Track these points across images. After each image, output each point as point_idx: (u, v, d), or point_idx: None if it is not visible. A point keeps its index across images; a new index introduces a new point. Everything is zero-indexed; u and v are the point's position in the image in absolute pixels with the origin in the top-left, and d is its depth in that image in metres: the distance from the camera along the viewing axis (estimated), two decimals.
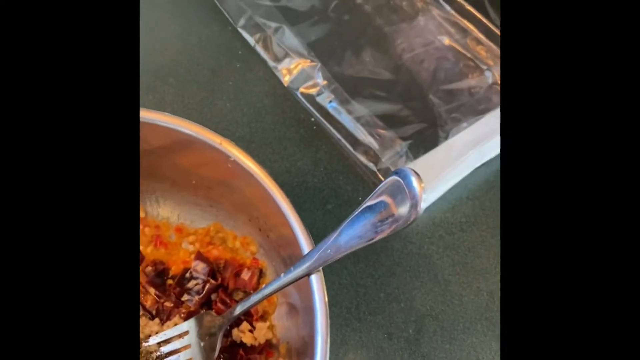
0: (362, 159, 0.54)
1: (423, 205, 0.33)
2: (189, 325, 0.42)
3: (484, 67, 0.59)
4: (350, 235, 0.35)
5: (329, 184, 0.54)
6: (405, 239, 0.52)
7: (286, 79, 0.58)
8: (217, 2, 0.61)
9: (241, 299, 0.43)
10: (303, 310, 0.41)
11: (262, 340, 0.43)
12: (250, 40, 0.60)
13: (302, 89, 0.57)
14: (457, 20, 0.62)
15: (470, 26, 0.61)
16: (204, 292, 0.45)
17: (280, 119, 0.56)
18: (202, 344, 0.41)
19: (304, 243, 0.39)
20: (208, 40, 0.60)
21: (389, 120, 0.55)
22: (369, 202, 0.35)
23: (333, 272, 0.50)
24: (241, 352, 0.43)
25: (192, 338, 0.41)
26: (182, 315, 0.44)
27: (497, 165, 0.55)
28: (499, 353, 0.47)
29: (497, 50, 0.60)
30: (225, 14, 0.61)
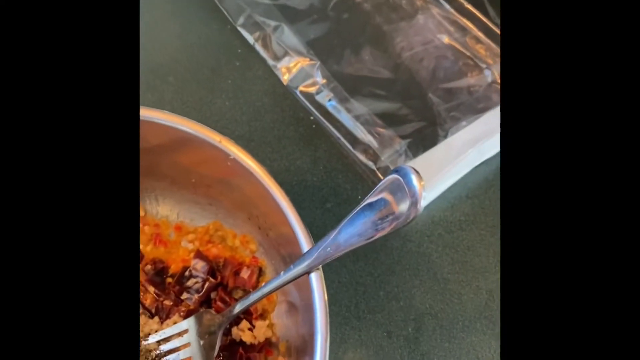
0: (362, 157, 0.54)
1: (423, 203, 0.33)
2: (189, 323, 0.42)
3: (484, 66, 0.59)
4: (350, 233, 0.35)
5: (328, 182, 0.54)
6: (404, 237, 0.52)
7: (285, 78, 0.58)
8: (216, 1, 0.61)
9: (240, 298, 0.43)
10: (302, 309, 0.41)
11: (262, 339, 0.43)
12: (250, 38, 0.60)
13: (301, 88, 0.57)
14: (457, 18, 0.62)
15: (470, 25, 0.61)
16: (204, 290, 0.45)
17: (279, 117, 0.56)
18: (201, 342, 0.41)
19: (304, 241, 0.39)
20: (207, 39, 0.60)
21: (388, 119, 0.55)
22: (369, 200, 0.35)
23: (332, 270, 0.50)
24: (241, 350, 0.43)
25: (191, 336, 0.41)
26: (182, 313, 0.44)
27: (497, 163, 0.55)
28: (498, 351, 0.47)
29: (496, 49, 0.60)
30: (225, 12, 0.61)
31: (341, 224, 0.36)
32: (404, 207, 0.33)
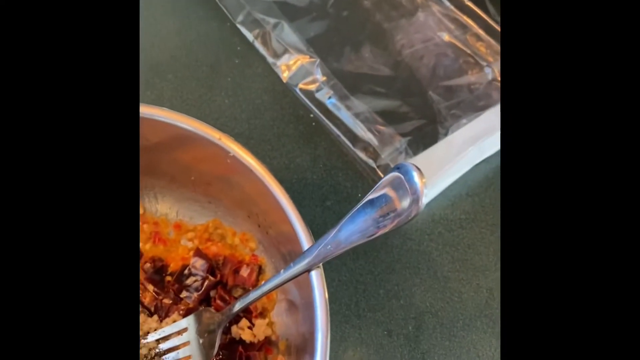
0: (362, 155, 0.53)
1: (424, 200, 0.32)
2: (188, 322, 0.42)
3: (484, 64, 0.59)
4: (351, 230, 0.35)
5: (328, 180, 0.53)
6: (404, 235, 0.51)
7: (285, 75, 0.57)
8: None
9: (240, 296, 0.43)
10: (303, 307, 0.41)
11: (262, 337, 0.43)
12: (249, 36, 0.59)
13: (301, 85, 0.57)
14: (457, 16, 0.61)
15: (470, 22, 0.61)
16: (203, 288, 0.45)
17: (279, 115, 0.56)
18: (201, 340, 0.41)
19: (304, 239, 0.39)
20: (207, 36, 0.60)
21: (389, 117, 0.55)
22: (370, 197, 0.35)
23: (332, 268, 0.50)
24: (240, 349, 0.43)
25: (191, 335, 0.41)
26: (181, 312, 0.44)
27: (497, 162, 0.55)
28: (498, 350, 0.47)
29: (496, 47, 0.60)
30: (224, 9, 0.61)
31: (342, 221, 0.36)
32: (405, 204, 0.33)
